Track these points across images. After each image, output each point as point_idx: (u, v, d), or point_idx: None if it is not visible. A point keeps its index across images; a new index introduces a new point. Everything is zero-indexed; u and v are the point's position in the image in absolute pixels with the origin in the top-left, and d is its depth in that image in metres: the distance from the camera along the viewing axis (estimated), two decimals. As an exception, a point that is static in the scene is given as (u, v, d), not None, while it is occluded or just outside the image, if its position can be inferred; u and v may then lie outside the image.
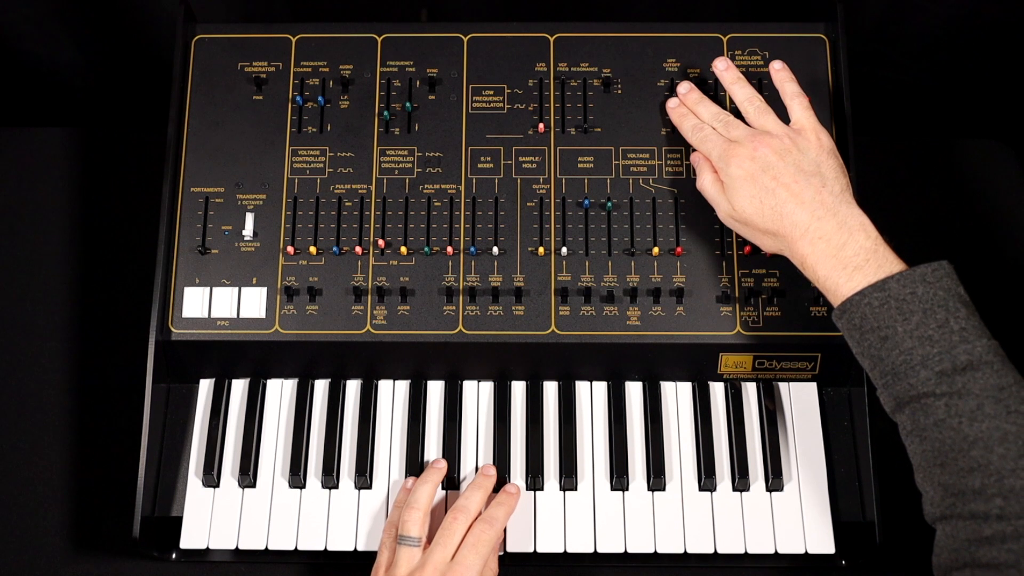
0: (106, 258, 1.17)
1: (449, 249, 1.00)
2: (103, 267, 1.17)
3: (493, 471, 0.98)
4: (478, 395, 1.03)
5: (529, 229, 1.02)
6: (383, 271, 1.01)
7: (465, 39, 1.07)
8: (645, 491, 0.99)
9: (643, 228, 1.02)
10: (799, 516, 0.98)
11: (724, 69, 1.02)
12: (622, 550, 0.97)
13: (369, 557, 0.98)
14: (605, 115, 1.04)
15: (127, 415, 1.07)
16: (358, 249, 1.01)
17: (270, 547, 0.98)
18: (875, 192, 1.15)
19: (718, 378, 1.03)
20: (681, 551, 0.97)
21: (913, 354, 0.80)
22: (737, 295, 1.00)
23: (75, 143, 1.22)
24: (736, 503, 0.99)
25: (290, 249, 1.01)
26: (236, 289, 1.00)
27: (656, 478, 0.99)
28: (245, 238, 1.01)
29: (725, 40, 1.06)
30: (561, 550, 0.97)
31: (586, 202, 1.02)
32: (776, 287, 1.00)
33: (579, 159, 1.03)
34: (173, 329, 0.99)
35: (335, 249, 1.00)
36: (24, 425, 1.10)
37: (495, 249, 1.01)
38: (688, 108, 1.02)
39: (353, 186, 1.03)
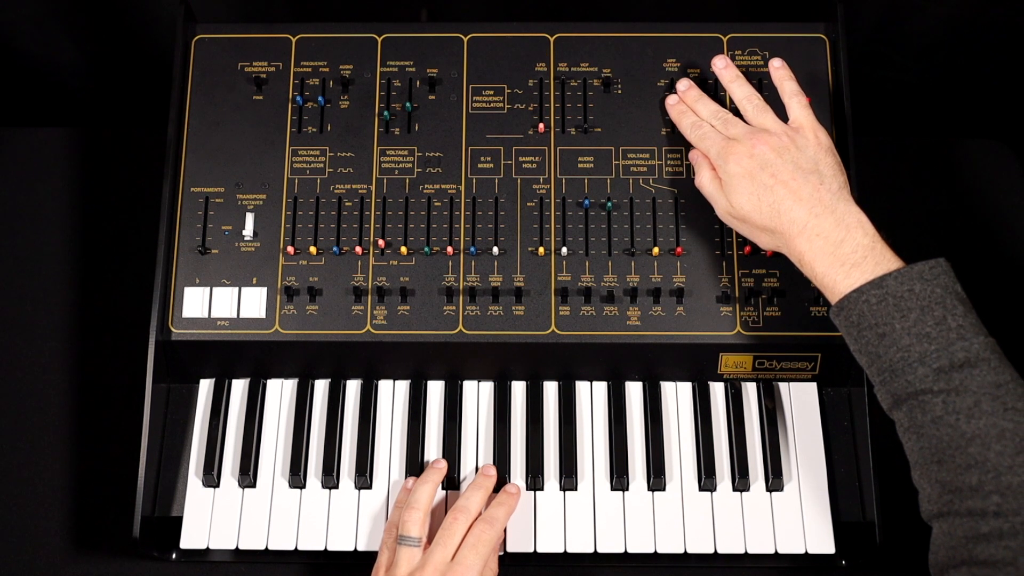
0: (106, 258, 1.17)
1: (449, 249, 1.00)
2: (103, 267, 1.16)
3: (493, 471, 0.98)
4: (478, 395, 1.03)
5: (529, 229, 1.02)
6: (383, 271, 1.01)
7: (465, 39, 1.07)
8: (645, 491, 0.99)
9: (643, 228, 1.02)
10: (799, 516, 0.98)
11: (723, 67, 1.02)
12: (622, 550, 0.97)
13: (369, 557, 0.98)
14: (605, 115, 1.04)
15: (127, 415, 1.06)
16: (358, 249, 1.01)
17: (270, 547, 0.98)
18: (875, 192, 1.15)
19: (718, 378, 1.03)
20: (681, 551, 0.97)
21: (911, 351, 0.80)
22: (737, 295, 1.00)
23: (75, 143, 1.22)
24: (736, 503, 0.99)
25: (290, 249, 1.01)
26: (236, 289, 1.00)
27: (656, 478, 0.99)
28: (245, 238, 1.01)
29: (725, 40, 1.06)
30: (561, 550, 0.97)
31: (586, 202, 1.02)
32: (776, 287, 1.00)
33: (579, 159, 1.03)
34: (173, 329, 0.99)
35: (335, 249, 1.01)
36: (24, 425, 1.10)
37: (495, 249, 1.01)
38: (687, 105, 1.02)
39: (353, 186, 1.03)
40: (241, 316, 0.99)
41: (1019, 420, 0.76)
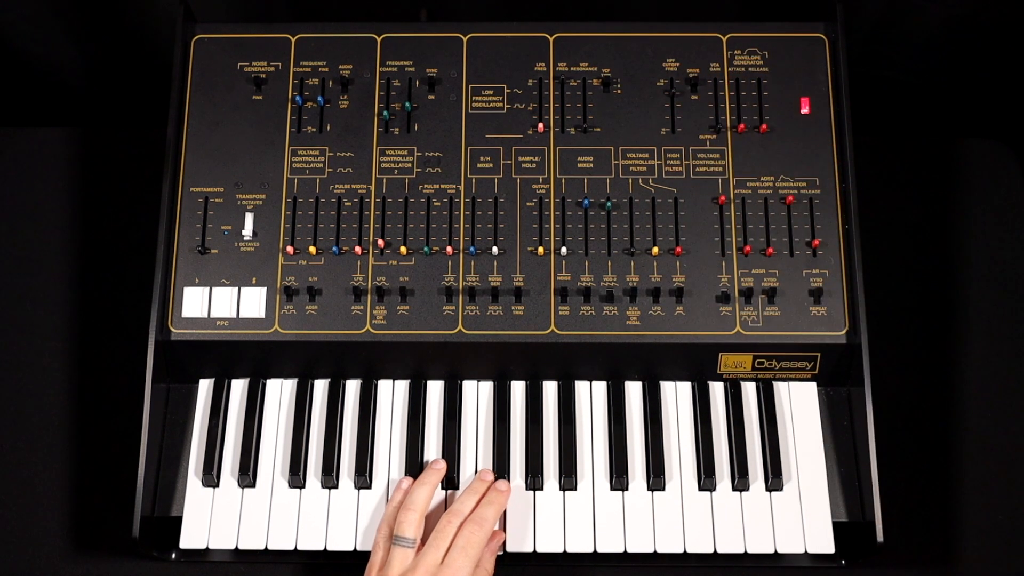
0: (106, 258, 1.17)
1: (449, 249, 1.00)
2: (103, 267, 1.16)
3: (491, 475, 0.98)
4: (478, 395, 1.03)
5: (529, 229, 1.02)
6: (383, 271, 1.01)
7: (465, 39, 1.07)
8: (645, 491, 0.99)
9: (643, 228, 1.02)
10: (799, 516, 0.98)
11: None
12: (622, 550, 0.97)
13: (368, 557, 0.98)
14: (605, 115, 1.04)
15: (127, 415, 1.07)
16: (358, 249, 1.01)
17: (270, 547, 0.98)
18: (875, 192, 1.15)
19: (718, 378, 1.03)
20: (681, 551, 0.97)
21: None
22: (737, 295, 1.00)
23: (75, 143, 1.22)
24: (736, 503, 0.99)
25: (290, 249, 1.01)
26: (236, 289, 1.00)
27: (656, 478, 0.99)
28: (245, 238, 1.01)
29: (725, 40, 1.06)
30: (561, 550, 0.97)
31: (586, 202, 1.02)
32: (776, 287, 1.00)
33: (579, 159, 1.03)
34: (173, 329, 0.99)
35: (335, 249, 1.01)
36: (24, 425, 1.10)
37: (495, 249, 1.01)
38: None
39: (353, 186, 1.03)
40: (241, 316, 0.99)
41: None
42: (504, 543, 0.97)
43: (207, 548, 0.98)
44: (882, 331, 1.07)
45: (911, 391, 1.10)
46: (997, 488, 1.07)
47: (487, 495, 0.97)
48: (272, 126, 1.04)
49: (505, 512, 0.98)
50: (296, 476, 0.99)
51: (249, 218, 1.02)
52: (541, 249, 1.00)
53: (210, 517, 0.98)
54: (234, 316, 0.99)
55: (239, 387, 1.03)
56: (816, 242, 1.00)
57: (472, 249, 1.01)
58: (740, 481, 0.98)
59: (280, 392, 1.03)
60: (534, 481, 0.99)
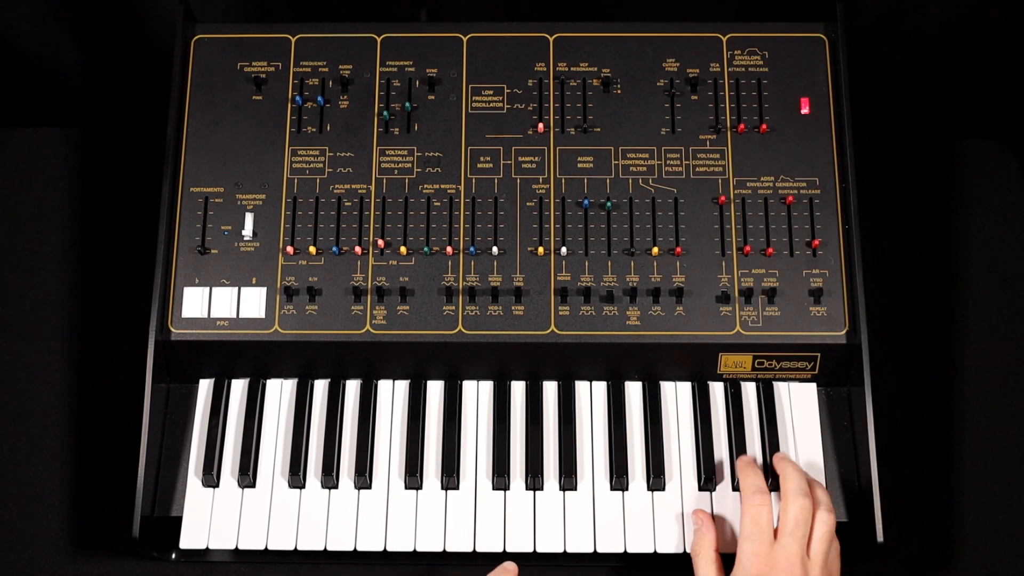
0: (106, 258, 1.17)
1: (449, 249, 1.00)
2: (103, 267, 1.16)
3: (514, 568, 0.94)
4: (478, 395, 1.03)
5: (529, 229, 1.02)
6: (383, 271, 1.01)
7: (465, 39, 1.07)
8: (645, 491, 0.99)
9: (643, 228, 1.02)
10: (799, 516, 0.98)
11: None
12: (622, 550, 0.97)
13: (368, 557, 0.98)
14: (605, 115, 1.04)
15: (127, 415, 1.06)
16: (358, 249, 1.01)
17: (270, 547, 0.98)
18: (875, 192, 1.15)
19: (718, 378, 1.03)
20: (681, 551, 0.97)
21: None
22: (737, 295, 1.00)
23: (75, 143, 1.22)
24: (736, 503, 0.99)
25: (290, 249, 1.01)
26: (236, 289, 1.00)
27: (656, 478, 0.99)
28: (245, 238, 1.01)
29: (725, 40, 1.06)
30: (561, 550, 0.97)
31: (586, 202, 1.02)
32: (776, 287, 1.00)
33: (579, 159, 1.03)
34: (173, 329, 0.99)
35: (335, 249, 1.01)
36: (24, 425, 1.10)
37: (495, 249, 1.01)
38: (774, 459, 0.97)
39: (353, 186, 1.03)
40: (241, 316, 0.99)
41: None
42: (504, 543, 0.97)
43: (207, 548, 0.98)
44: (882, 331, 1.07)
45: (911, 391, 1.10)
46: (997, 488, 1.07)
47: (495, 572, 0.93)
48: (272, 126, 1.04)
49: (505, 512, 0.98)
50: (296, 476, 0.99)
51: (249, 218, 1.02)
52: (541, 249, 1.00)
53: (210, 517, 0.98)
54: (234, 316, 0.99)
55: (239, 387, 1.03)
56: (816, 242, 1.00)
57: (472, 249, 1.01)
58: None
59: (280, 392, 1.03)
60: (534, 481, 0.99)
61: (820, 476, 0.99)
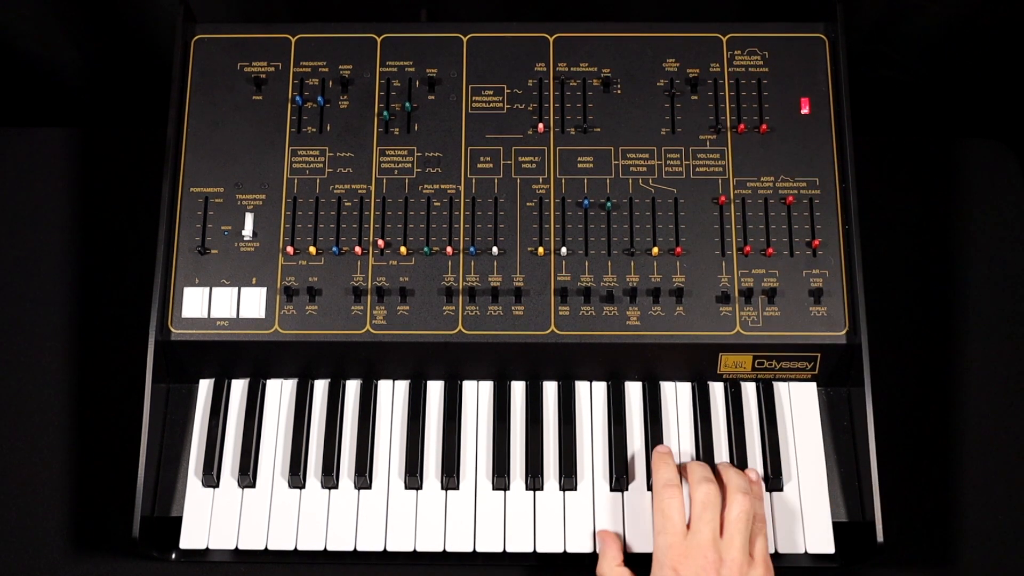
0: (106, 258, 1.17)
1: (449, 249, 1.00)
2: (103, 267, 1.16)
3: None
4: (478, 395, 1.03)
5: (529, 229, 1.02)
6: (383, 271, 1.01)
7: (465, 39, 1.07)
8: (645, 491, 0.99)
9: (643, 228, 1.02)
10: (799, 516, 0.98)
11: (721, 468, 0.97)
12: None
13: (368, 557, 0.98)
14: (605, 115, 1.04)
15: (127, 415, 1.06)
16: (358, 249, 1.01)
17: (270, 547, 0.98)
18: (875, 192, 1.15)
19: (718, 378, 1.03)
20: (681, 551, 0.97)
21: None
22: (737, 295, 1.00)
23: (75, 143, 1.22)
24: (736, 503, 0.99)
25: (290, 249, 1.01)
26: (236, 289, 1.00)
27: (656, 478, 0.99)
28: (245, 238, 1.01)
29: (724, 40, 1.06)
30: (561, 550, 0.97)
31: (586, 202, 1.02)
32: (776, 287, 1.00)
33: (579, 159, 1.03)
34: (173, 329, 0.99)
35: (335, 249, 1.01)
36: (24, 425, 1.10)
37: (495, 249, 1.01)
38: (680, 464, 0.98)
39: (353, 186, 1.03)
40: (241, 316, 0.99)
41: None
42: (504, 542, 0.97)
43: (207, 548, 0.98)
44: (882, 331, 1.07)
45: (911, 391, 1.10)
46: (997, 488, 1.07)
47: None
48: (272, 126, 1.04)
49: (505, 512, 0.98)
50: (296, 476, 0.99)
51: (249, 218, 1.02)
52: (541, 249, 1.00)
53: (210, 517, 0.98)
54: (234, 316, 0.99)
55: (239, 387, 1.03)
56: (816, 242, 1.00)
57: (472, 249, 1.01)
58: (740, 481, 0.98)
59: (280, 392, 1.03)
60: (534, 481, 0.99)
61: (820, 476, 0.99)
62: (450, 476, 0.99)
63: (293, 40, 1.06)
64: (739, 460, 0.99)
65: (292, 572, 1.03)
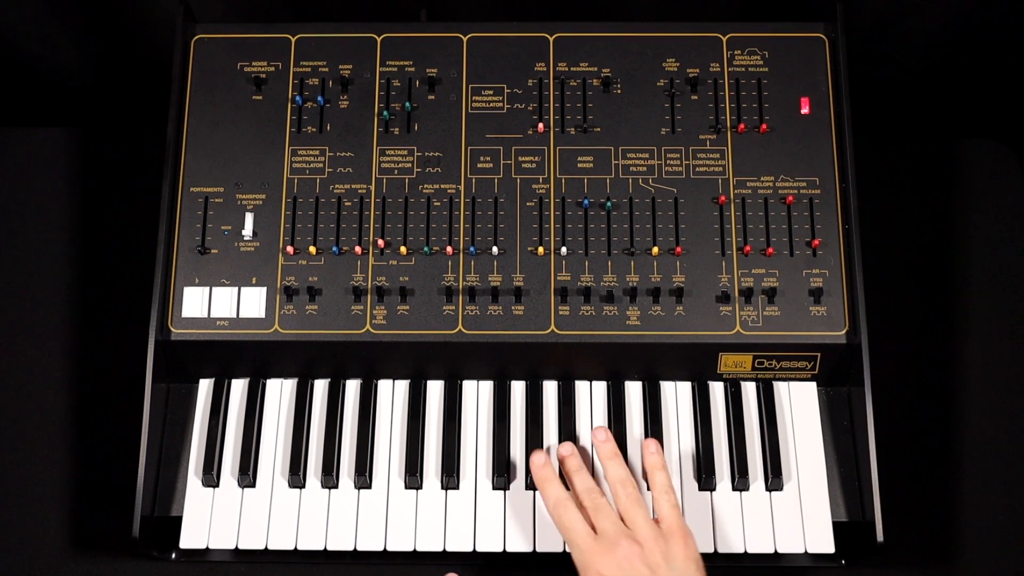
0: (106, 258, 1.17)
1: (449, 249, 1.00)
2: (103, 267, 1.17)
3: None
4: (478, 395, 1.03)
5: (529, 229, 1.02)
6: (383, 271, 1.01)
7: (465, 39, 1.07)
8: (645, 490, 0.99)
9: (643, 228, 1.02)
10: (799, 516, 0.98)
11: (603, 440, 0.99)
12: (622, 550, 0.97)
13: (368, 557, 0.98)
14: (605, 115, 1.04)
15: (127, 415, 1.06)
16: (358, 249, 1.01)
17: (270, 547, 0.98)
18: (875, 192, 1.15)
19: (718, 378, 1.03)
20: (681, 551, 0.97)
21: None
22: (737, 295, 1.00)
23: (75, 143, 1.22)
24: (736, 503, 0.99)
25: (290, 249, 1.01)
26: (236, 289, 1.00)
27: (656, 478, 0.99)
28: (245, 238, 1.01)
29: (724, 40, 1.06)
30: (560, 550, 0.97)
31: (586, 202, 1.02)
32: (776, 287, 1.00)
33: (579, 159, 1.03)
34: (173, 329, 0.99)
35: (335, 249, 1.01)
36: (24, 425, 1.10)
37: (495, 249, 1.01)
38: (566, 471, 0.97)
39: (353, 186, 1.03)
40: (241, 316, 0.99)
41: None
42: (504, 543, 0.97)
43: (207, 548, 0.98)
44: (882, 331, 1.07)
45: (911, 391, 1.10)
46: (997, 488, 1.07)
47: None
48: (272, 126, 1.04)
49: (505, 512, 0.98)
50: (296, 476, 0.99)
51: (249, 218, 1.02)
52: (541, 249, 1.00)
53: (210, 517, 0.98)
54: (234, 316, 0.99)
55: (239, 387, 1.03)
56: (816, 242, 1.00)
57: (472, 249, 1.01)
58: (740, 481, 0.98)
59: (280, 392, 1.03)
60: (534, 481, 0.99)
61: (820, 476, 0.99)
62: (450, 476, 0.99)
63: (293, 40, 1.06)
64: (739, 460, 0.99)
65: (292, 572, 1.03)
